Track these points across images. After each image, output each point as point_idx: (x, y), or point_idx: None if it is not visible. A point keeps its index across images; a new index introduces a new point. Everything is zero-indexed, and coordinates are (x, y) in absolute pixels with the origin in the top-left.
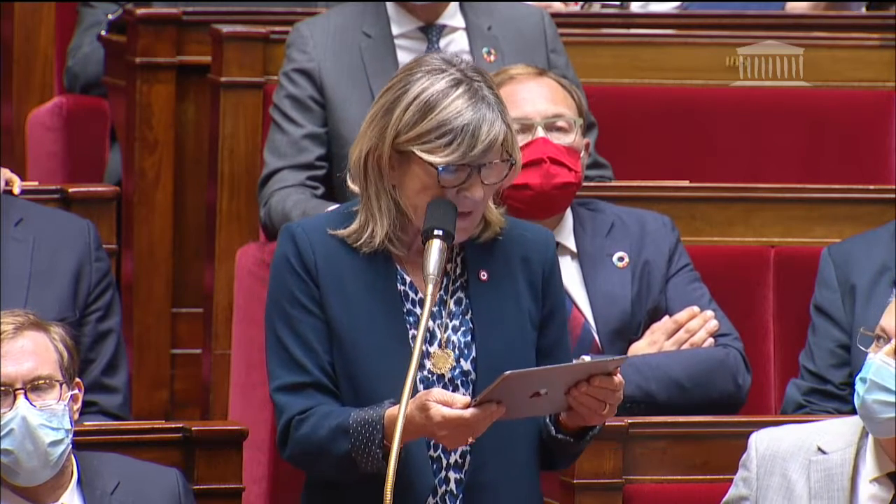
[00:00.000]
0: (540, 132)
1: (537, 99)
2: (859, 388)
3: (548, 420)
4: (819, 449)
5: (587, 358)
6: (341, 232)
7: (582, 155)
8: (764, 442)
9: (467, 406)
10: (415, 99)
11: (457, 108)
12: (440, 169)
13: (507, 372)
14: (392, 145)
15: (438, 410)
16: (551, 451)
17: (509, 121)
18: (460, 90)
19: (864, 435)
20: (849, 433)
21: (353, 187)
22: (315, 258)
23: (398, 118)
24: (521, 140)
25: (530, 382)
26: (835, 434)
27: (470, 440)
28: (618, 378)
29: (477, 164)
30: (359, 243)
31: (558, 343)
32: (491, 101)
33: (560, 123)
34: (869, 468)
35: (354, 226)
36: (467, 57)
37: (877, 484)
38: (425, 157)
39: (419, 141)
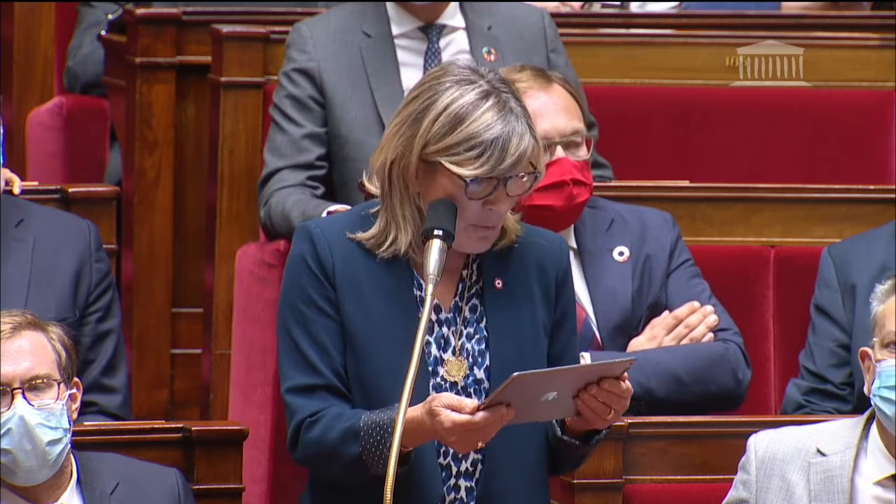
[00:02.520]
0: (560, 152)
1: (553, 114)
2: (890, 395)
3: (554, 422)
4: (818, 451)
5: (586, 355)
6: (360, 235)
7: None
8: (763, 444)
9: (476, 410)
10: (444, 110)
11: (486, 121)
12: (468, 181)
13: (515, 373)
14: (420, 156)
15: (448, 416)
16: (556, 454)
17: (536, 133)
18: (490, 102)
19: (863, 437)
20: (847, 435)
21: (371, 188)
22: (333, 260)
23: (427, 129)
24: None
25: (539, 384)
26: (834, 436)
27: (479, 445)
28: (625, 385)
29: (504, 178)
30: (379, 248)
31: (567, 349)
32: (519, 113)
33: (576, 139)
34: (871, 470)
35: (374, 230)
36: (468, 58)
37: (880, 487)
38: (454, 169)
39: (448, 153)
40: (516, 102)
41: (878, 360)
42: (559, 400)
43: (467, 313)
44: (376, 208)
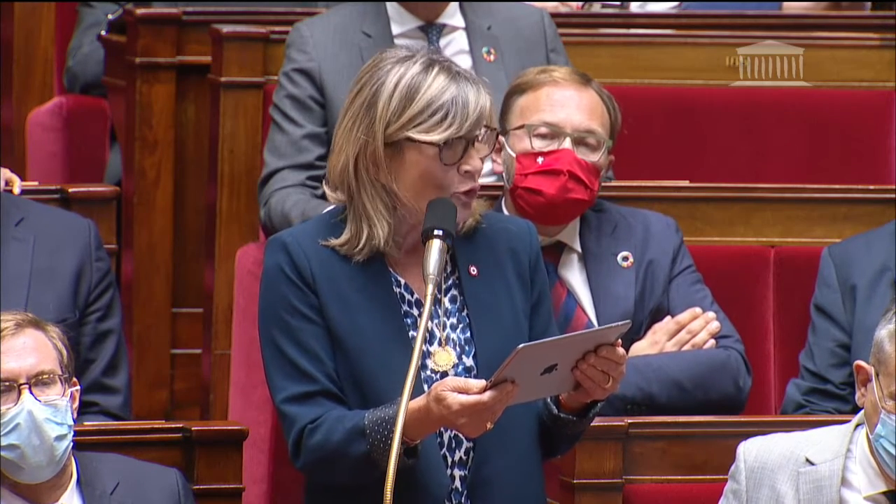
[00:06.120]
0: (567, 143)
1: (573, 108)
2: (891, 450)
3: (549, 401)
4: (807, 460)
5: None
6: (333, 242)
7: (602, 173)
8: (752, 453)
9: (483, 389)
10: (395, 87)
11: (440, 84)
12: (441, 146)
13: (521, 345)
14: (384, 139)
15: (455, 398)
16: (553, 435)
17: (489, 90)
18: (436, 69)
19: (850, 443)
20: (836, 443)
21: (333, 195)
22: (310, 266)
23: (384, 110)
24: (547, 145)
25: (542, 355)
26: (823, 444)
27: (489, 425)
28: (620, 351)
29: (470, 138)
30: (353, 252)
31: (548, 329)
32: (465, 74)
33: (590, 140)
34: (861, 483)
35: (345, 236)
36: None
37: (872, 502)
38: (424, 137)
39: (413, 125)
40: (458, 67)
41: (884, 408)
42: (558, 375)
43: (447, 304)
44: (344, 213)
